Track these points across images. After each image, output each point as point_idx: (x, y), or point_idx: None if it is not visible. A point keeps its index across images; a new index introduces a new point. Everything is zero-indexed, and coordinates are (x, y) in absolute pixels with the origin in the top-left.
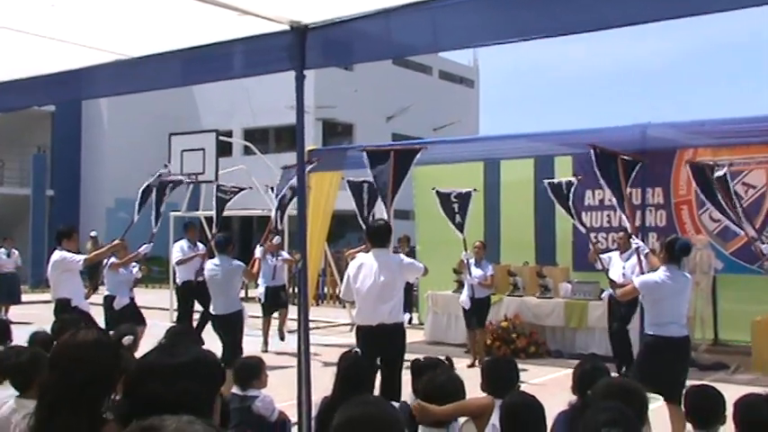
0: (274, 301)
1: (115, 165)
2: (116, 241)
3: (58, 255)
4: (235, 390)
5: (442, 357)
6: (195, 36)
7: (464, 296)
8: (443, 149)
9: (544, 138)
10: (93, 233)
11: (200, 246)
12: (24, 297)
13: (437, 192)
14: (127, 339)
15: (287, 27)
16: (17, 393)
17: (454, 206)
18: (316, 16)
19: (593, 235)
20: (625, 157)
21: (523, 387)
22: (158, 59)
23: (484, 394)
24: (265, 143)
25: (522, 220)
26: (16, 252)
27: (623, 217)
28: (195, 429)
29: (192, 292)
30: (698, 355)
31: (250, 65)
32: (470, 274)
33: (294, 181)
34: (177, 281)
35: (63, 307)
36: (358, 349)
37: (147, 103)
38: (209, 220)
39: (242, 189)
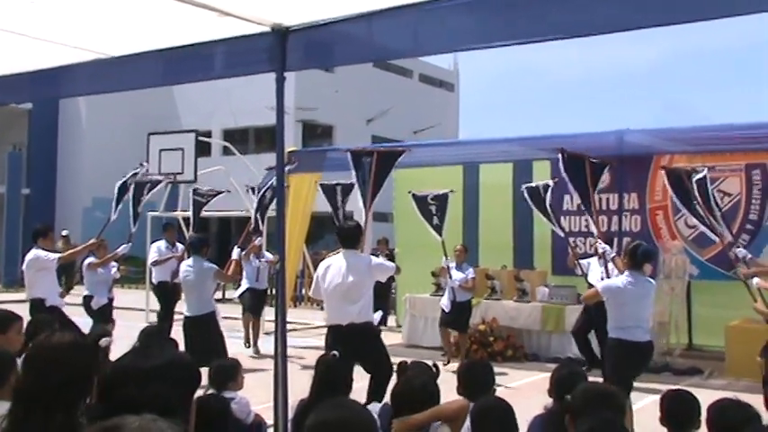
0: (256, 304)
1: (93, 164)
2: (92, 240)
3: (33, 254)
4: (210, 392)
5: (429, 363)
6: (175, 36)
7: (445, 299)
8: (423, 152)
9: (522, 142)
10: (64, 232)
11: (179, 246)
12: None
13: (413, 195)
14: (104, 341)
15: (268, 29)
16: None
17: (432, 208)
18: (297, 18)
19: (571, 239)
20: (593, 160)
21: (500, 391)
22: (138, 59)
23: (459, 396)
24: (245, 144)
25: (500, 223)
26: None
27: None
28: (159, 426)
29: (168, 292)
30: (672, 359)
31: (230, 66)
32: (451, 277)
33: (274, 181)
34: (153, 281)
35: (37, 306)
36: (336, 352)
37: (126, 103)
38: (187, 220)
39: (219, 192)
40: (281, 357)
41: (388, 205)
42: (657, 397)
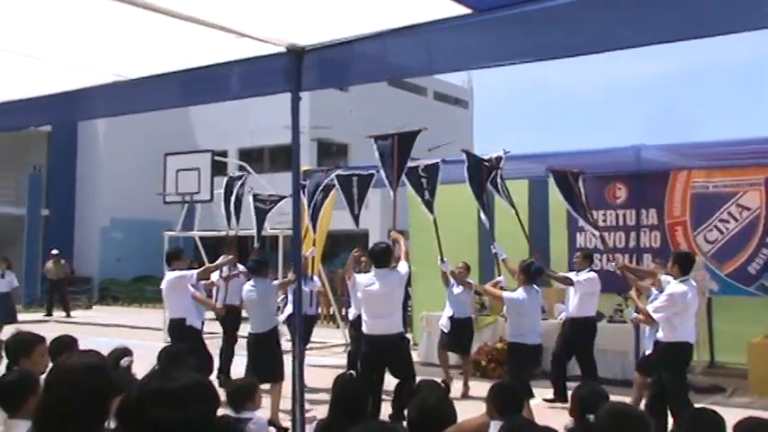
0: (303, 331)
1: (111, 184)
2: (231, 256)
3: (173, 274)
4: (227, 412)
5: (438, 380)
6: (193, 58)
7: (444, 318)
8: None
9: (538, 159)
10: (54, 251)
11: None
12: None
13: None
14: (125, 361)
15: (284, 49)
16: (6, 415)
17: (422, 181)
18: (312, 39)
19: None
20: (574, 171)
21: None
22: (156, 81)
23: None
24: (260, 163)
25: (517, 240)
26: (12, 273)
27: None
28: None
29: (235, 315)
30: (694, 377)
31: (247, 86)
32: (449, 286)
33: (327, 181)
34: (219, 303)
35: (178, 327)
36: (353, 371)
37: (142, 124)
38: (203, 240)
39: (282, 197)
40: (298, 377)
41: (403, 223)
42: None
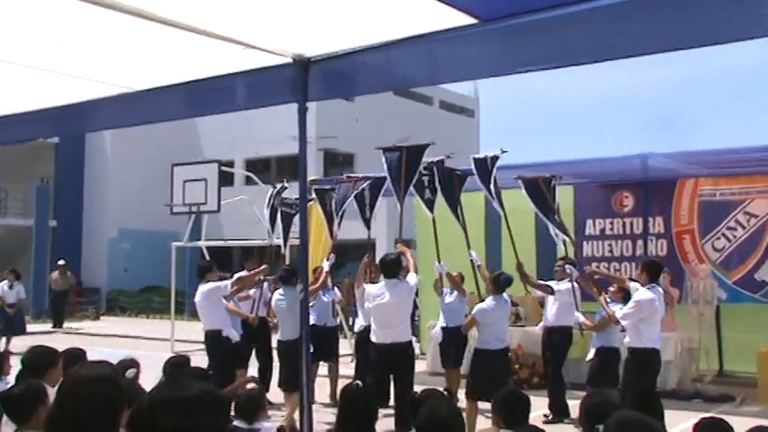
0: (325, 348)
1: (118, 195)
2: (264, 266)
3: (208, 285)
4: (239, 423)
5: (442, 389)
6: (199, 69)
7: (436, 327)
8: None
9: (545, 168)
10: (61, 261)
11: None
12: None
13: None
14: (130, 372)
15: (290, 60)
16: (15, 426)
17: (424, 179)
18: (318, 49)
19: (594, 264)
20: (545, 176)
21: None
22: (162, 92)
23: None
24: (267, 173)
25: (523, 249)
26: (20, 284)
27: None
28: None
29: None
30: (703, 386)
31: (253, 97)
32: (444, 300)
33: (356, 192)
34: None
35: (215, 338)
36: (359, 382)
37: (149, 135)
38: (210, 250)
39: (309, 200)
40: (306, 387)
41: (411, 232)
42: (689, 425)
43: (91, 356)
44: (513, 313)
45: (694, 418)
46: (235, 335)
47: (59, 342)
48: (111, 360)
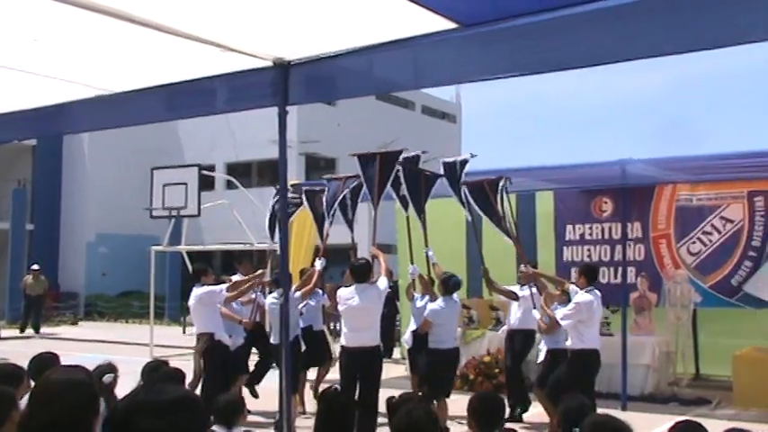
0: (314, 352)
1: (96, 199)
2: (260, 270)
3: (203, 288)
4: (218, 428)
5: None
6: (178, 72)
7: (407, 333)
8: None
9: (526, 173)
10: (35, 266)
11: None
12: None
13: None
14: (107, 378)
15: (270, 63)
16: None
17: (399, 175)
18: (299, 53)
19: (573, 269)
20: (491, 179)
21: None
22: (141, 95)
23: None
24: (248, 177)
25: (504, 254)
26: None
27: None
28: None
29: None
30: (679, 389)
31: (233, 100)
32: (415, 304)
33: (345, 192)
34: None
35: (205, 341)
36: (338, 386)
37: (129, 138)
38: (190, 254)
39: (295, 202)
40: (285, 392)
41: (391, 237)
42: (665, 428)
43: (67, 361)
44: (466, 316)
45: (670, 421)
46: (227, 339)
47: (35, 347)
48: (89, 365)
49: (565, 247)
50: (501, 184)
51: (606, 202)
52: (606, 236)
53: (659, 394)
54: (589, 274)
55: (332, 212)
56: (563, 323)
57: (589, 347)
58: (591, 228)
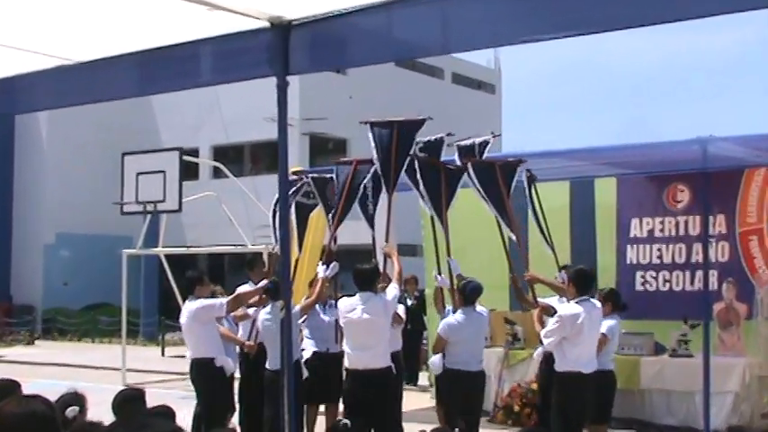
0: (325, 384)
1: (56, 192)
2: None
3: (197, 303)
4: None
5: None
6: (155, 36)
7: (435, 356)
8: None
9: (582, 155)
10: None
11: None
12: None
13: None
14: (70, 411)
15: (266, 24)
16: None
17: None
18: (301, 10)
19: (639, 273)
20: (507, 160)
21: None
22: (110, 64)
23: None
24: (239, 164)
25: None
26: None
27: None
28: None
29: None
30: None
31: (222, 70)
32: (444, 309)
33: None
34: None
35: (204, 368)
36: (347, 421)
37: (94, 117)
38: (170, 258)
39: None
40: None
41: (416, 236)
42: None
43: (24, 390)
44: (509, 333)
45: None
46: (231, 365)
47: None
48: (49, 394)
49: (629, 246)
50: (520, 169)
51: (682, 191)
52: (682, 232)
53: (750, 428)
54: (580, 281)
55: (342, 205)
56: (545, 341)
57: (571, 370)
58: (662, 222)
